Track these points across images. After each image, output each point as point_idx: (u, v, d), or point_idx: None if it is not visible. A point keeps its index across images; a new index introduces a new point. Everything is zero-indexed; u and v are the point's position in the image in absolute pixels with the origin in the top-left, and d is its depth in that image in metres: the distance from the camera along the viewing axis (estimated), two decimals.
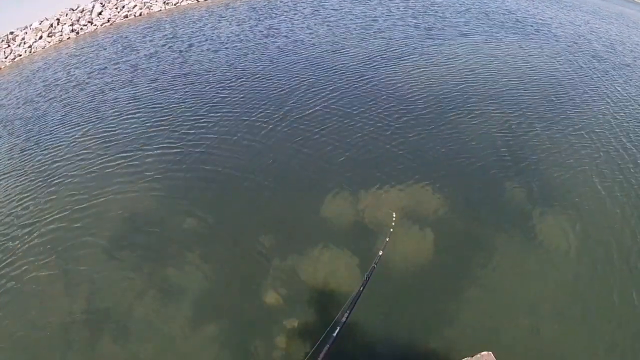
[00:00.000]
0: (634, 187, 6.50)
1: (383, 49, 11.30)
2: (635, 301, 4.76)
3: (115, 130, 8.78)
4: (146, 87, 10.72)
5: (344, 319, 1.09)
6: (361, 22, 13.41)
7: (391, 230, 4.06)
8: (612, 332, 4.45)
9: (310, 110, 8.45)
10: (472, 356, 2.78)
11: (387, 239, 3.74)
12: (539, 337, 4.40)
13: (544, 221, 5.82)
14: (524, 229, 5.75)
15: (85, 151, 8.25)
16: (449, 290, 4.92)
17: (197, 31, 14.42)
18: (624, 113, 8.82)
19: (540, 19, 15.20)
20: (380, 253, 3.25)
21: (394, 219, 4.18)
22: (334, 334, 1.07)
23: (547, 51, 11.94)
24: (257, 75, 10.38)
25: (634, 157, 7.27)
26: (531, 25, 14.13)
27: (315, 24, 13.54)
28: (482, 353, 2.76)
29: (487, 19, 14.18)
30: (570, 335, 4.42)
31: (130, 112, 9.54)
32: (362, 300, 4.71)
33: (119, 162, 7.63)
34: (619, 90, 9.89)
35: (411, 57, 10.85)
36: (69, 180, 7.45)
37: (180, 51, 12.83)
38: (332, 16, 14.14)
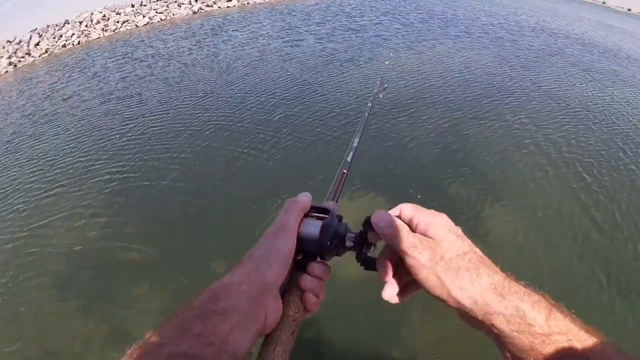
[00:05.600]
0: (578, 178, 6.83)
1: (320, 59, 11.57)
2: (587, 286, 5.00)
3: (53, 163, 8.62)
4: (85, 116, 10.62)
5: (355, 145, 1.07)
6: (293, 34, 13.68)
7: None
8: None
9: (250, 129, 8.60)
10: None
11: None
12: (489, 342, 4.52)
13: (493, 216, 6.01)
14: (473, 225, 5.85)
15: (23, 186, 8.05)
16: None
17: (136, 56, 14.30)
18: (566, 105, 9.34)
19: (471, 18, 15.90)
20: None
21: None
22: (349, 159, 1.06)
23: (483, 49, 12.49)
24: (198, 97, 10.47)
25: (579, 147, 7.64)
26: (463, 25, 14.76)
27: (244, 44, 13.70)
28: None
29: (416, 20, 14.71)
30: None
31: (69, 142, 9.43)
32: (314, 316, 4.82)
33: (59, 195, 7.49)
34: (561, 82, 10.47)
35: (351, 65, 11.14)
36: (9, 217, 7.25)
37: (120, 77, 12.72)
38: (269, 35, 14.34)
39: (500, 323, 0.55)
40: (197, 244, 6.10)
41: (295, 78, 10.80)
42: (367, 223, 0.73)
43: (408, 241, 0.64)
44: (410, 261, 0.63)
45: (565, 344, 0.51)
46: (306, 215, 0.75)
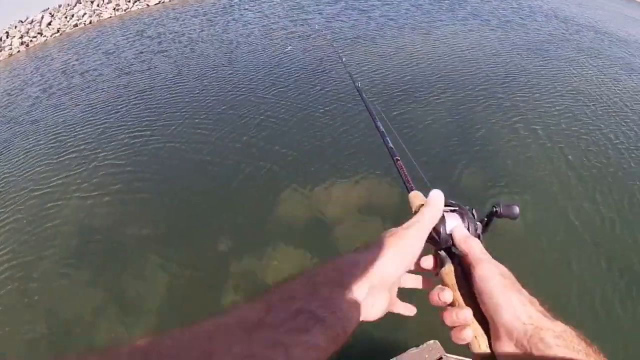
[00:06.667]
0: (589, 166, 6.66)
1: (327, 38, 11.63)
2: (594, 278, 4.92)
3: (65, 141, 8.80)
4: (96, 95, 10.80)
5: (382, 129, 1.02)
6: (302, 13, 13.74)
7: None
8: (572, 309, 4.53)
9: (261, 115, 8.56)
10: (417, 346, 2.78)
11: None
12: None
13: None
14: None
15: (36, 164, 8.26)
16: None
17: (149, 34, 14.48)
18: (572, 90, 9.09)
19: (483, 0, 15.74)
20: None
21: None
22: (391, 145, 1.00)
23: (489, 32, 12.41)
24: (207, 80, 10.51)
25: (591, 137, 7.39)
26: (472, 7, 14.65)
27: (272, 21, 13.78)
28: (429, 342, 2.76)
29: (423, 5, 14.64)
30: None
31: (81, 121, 9.61)
32: None
33: (70, 173, 7.65)
34: (570, 68, 10.25)
35: (358, 46, 11.19)
36: (22, 193, 7.44)
37: (133, 54, 12.93)
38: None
39: (549, 337, 0.59)
40: (204, 223, 6.21)
41: (297, 55, 10.95)
42: (492, 213, 0.80)
43: (483, 251, 0.71)
44: (484, 268, 0.68)
45: None
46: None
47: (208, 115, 8.72)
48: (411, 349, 2.66)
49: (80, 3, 18.88)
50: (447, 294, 0.71)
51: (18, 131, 9.85)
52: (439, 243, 0.75)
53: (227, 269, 5.36)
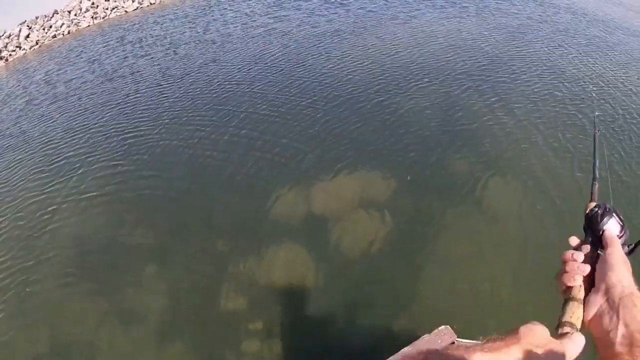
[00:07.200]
0: (577, 149, 6.55)
1: (306, 32, 11.77)
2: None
3: (53, 153, 8.74)
4: (82, 102, 10.76)
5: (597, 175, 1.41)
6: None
7: None
8: (552, 279, 4.54)
9: (248, 111, 8.59)
10: (430, 332, 2.74)
11: None
12: (497, 305, 4.47)
13: (492, 189, 5.89)
14: (473, 199, 5.78)
15: (24, 178, 8.20)
16: (405, 270, 4.99)
17: (130, 39, 14.43)
18: (554, 70, 9.08)
19: None
20: None
21: None
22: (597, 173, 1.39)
23: (467, 18, 12.46)
24: (191, 80, 10.54)
25: (575, 118, 7.34)
26: None
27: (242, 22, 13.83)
28: (440, 328, 2.73)
29: None
30: (528, 301, 4.37)
31: (70, 128, 9.57)
32: (321, 291, 4.89)
33: (60, 185, 7.60)
34: (550, 49, 10.23)
35: (338, 38, 11.28)
36: (12, 210, 7.37)
37: (117, 59, 12.88)
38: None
39: (638, 301, 0.77)
40: (200, 225, 6.16)
41: (274, 52, 11.04)
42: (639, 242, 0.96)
43: (619, 246, 0.91)
44: (615, 249, 0.89)
45: None
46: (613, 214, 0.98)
47: (195, 117, 8.75)
48: (424, 335, 2.69)
49: (58, 14, 18.67)
50: (581, 255, 0.94)
51: (7, 143, 9.81)
52: (595, 225, 0.96)
53: (226, 271, 5.33)
